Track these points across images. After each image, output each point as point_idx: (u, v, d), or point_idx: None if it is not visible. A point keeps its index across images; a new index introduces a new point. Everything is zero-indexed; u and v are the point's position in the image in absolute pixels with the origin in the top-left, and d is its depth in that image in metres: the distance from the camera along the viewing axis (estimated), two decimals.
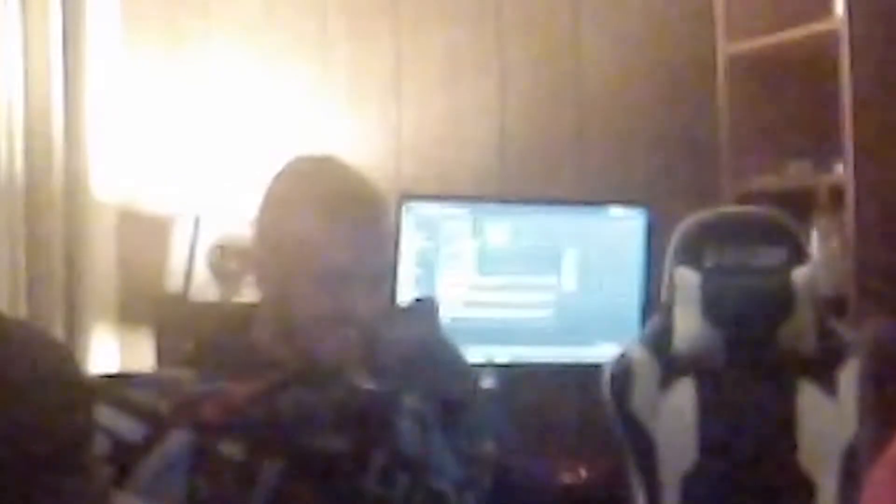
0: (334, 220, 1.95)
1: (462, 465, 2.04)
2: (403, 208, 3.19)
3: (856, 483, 2.64)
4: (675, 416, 2.76)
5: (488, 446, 2.11)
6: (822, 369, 2.78)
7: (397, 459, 1.96)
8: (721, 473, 2.74)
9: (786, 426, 2.75)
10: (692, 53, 3.69)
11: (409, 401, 2.01)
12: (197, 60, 3.33)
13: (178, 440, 1.89)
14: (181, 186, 3.23)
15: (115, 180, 3.17)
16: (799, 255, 2.86)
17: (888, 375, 2.83)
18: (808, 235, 3.17)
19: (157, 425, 1.89)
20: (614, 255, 3.35)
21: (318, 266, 1.93)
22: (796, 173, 3.48)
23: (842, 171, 3.29)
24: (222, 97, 3.33)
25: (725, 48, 3.60)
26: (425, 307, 2.27)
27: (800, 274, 2.81)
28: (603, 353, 3.00)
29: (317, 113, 3.40)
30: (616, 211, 3.39)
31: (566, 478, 3.12)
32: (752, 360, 2.79)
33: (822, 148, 3.41)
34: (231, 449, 1.89)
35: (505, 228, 3.31)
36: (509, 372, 3.24)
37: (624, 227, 3.37)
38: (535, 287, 3.32)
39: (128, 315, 3.20)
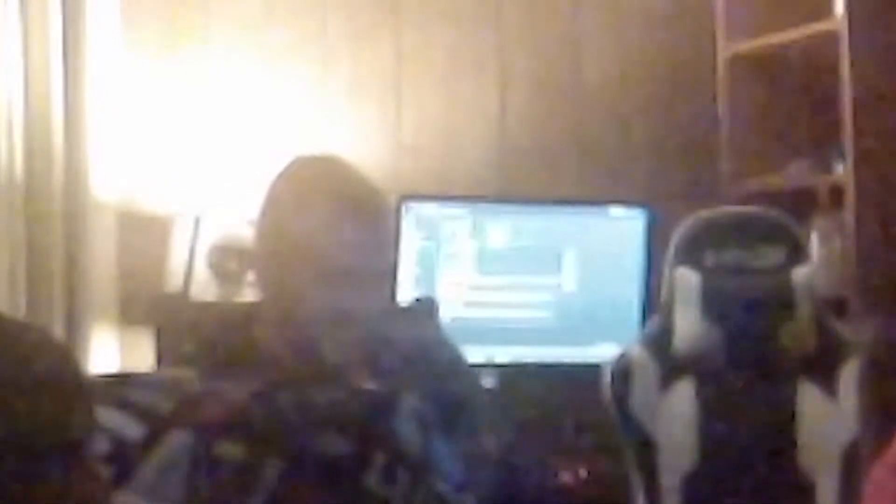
0: (336, 219, 1.95)
1: (463, 464, 2.04)
2: (403, 208, 3.19)
3: (856, 483, 2.64)
4: (675, 416, 2.76)
5: (489, 444, 2.11)
6: (822, 369, 2.78)
7: (398, 459, 1.96)
8: (721, 473, 2.74)
9: (786, 426, 2.75)
10: (692, 53, 3.69)
11: (410, 401, 2.01)
12: (197, 60, 3.33)
13: (178, 440, 1.89)
14: (181, 186, 3.23)
15: (115, 180, 3.17)
16: (799, 255, 2.86)
17: (888, 375, 2.83)
18: (808, 235, 3.17)
19: (157, 425, 1.90)
20: (614, 255, 3.35)
21: (320, 265, 1.93)
22: (796, 173, 3.48)
23: (842, 171, 3.29)
24: (222, 97, 3.33)
25: (725, 48, 3.60)
26: (425, 307, 2.27)
27: (800, 274, 2.81)
28: (603, 353, 3.00)
29: (317, 113, 3.40)
30: (616, 211, 3.39)
31: (566, 478, 3.12)
32: (752, 361, 2.79)
33: (822, 148, 3.41)
34: (231, 449, 1.89)
35: (505, 228, 3.30)
36: (509, 372, 3.24)
37: (624, 227, 3.37)
38: (535, 287, 3.32)
39: (128, 315, 3.20)
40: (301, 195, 1.99)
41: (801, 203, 3.33)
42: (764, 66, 3.58)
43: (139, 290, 3.22)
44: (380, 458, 1.94)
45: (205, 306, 3.10)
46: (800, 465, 2.73)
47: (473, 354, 2.27)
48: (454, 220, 3.28)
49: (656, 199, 3.41)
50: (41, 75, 3.08)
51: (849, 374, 2.76)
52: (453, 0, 3.56)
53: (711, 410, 2.75)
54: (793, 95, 3.58)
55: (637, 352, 2.81)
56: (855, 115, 3.22)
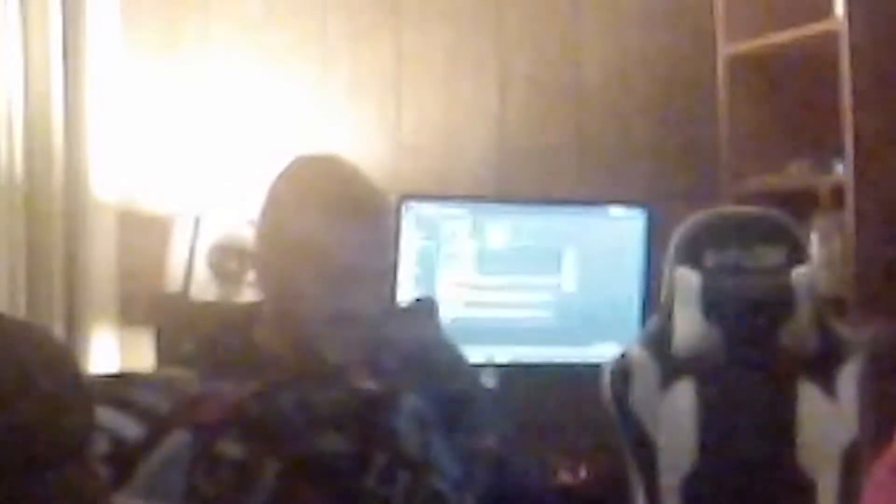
0: (337, 219, 1.95)
1: (463, 462, 2.04)
2: (403, 208, 3.19)
3: (856, 483, 2.64)
4: (675, 416, 2.76)
5: (489, 442, 2.12)
6: (822, 369, 2.78)
7: (397, 459, 1.96)
8: (721, 473, 2.74)
9: (786, 426, 2.75)
10: (692, 53, 3.69)
11: (410, 400, 2.01)
12: (197, 60, 3.33)
13: (178, 440, 1.89)
14: (181, 186, 3.23)
15: (115, 180, 3.17)
16: (799, 255, 2.86)
17: (888, 375, 2.83)
18: (808, 235, 3.17)
19: (157, 425, 1.90)
20: (614, 255, 3.35)
21: (322, 265, 1.93)
22: (796, 173, 3.48)
23: (842, 171, 3.29)
24: (222, 97, 3.33)
25: (725, 48, 3.60)
26: (425, 307, 2.27)
27: (800, 274, 2.81)
28: (603, 353, 3.00)
29: (317, 113, 3.40)
30: (616, 211, 3.39)
31: (566, 478, 3.12)
32: (752, 361, 2.79)
33: (822, 148, 3.41)
34: (231, 449, 1.89)
35: (505, 228, 3.30)
36: (509, 372, 3.24)
37: (624, 227, 3.37)
38: (535, 287, 3.32)
39: (128, 315, 3.20)
40: (301, 195, 1.99)
41: (801, 203, 3.33)
42: (764, 66, 3.58)
43: (139, 290, 3.22)
44: (380, 458, 1.94)
45: (205, 306, 3.10)
46: (800, 465, 2.73)
47: (473, 354, 2.27)
48: (454, 220, 3.28)
49: (656, 199, 3.41)
50: (41, 75, 3.08)
51: (849, 374, 2.76)
52: (453, 0, 3.56)
53: (711, 410, 2.75)
54: (793, 95, 3.58)
55: (637, 352, 2.81)
56: (855, 115, 3.22)
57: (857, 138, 3.23)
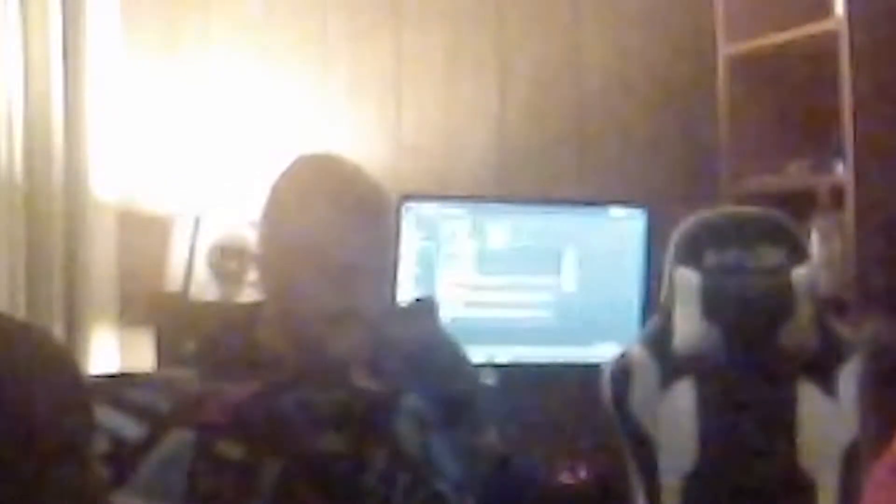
0: (340, 217, 1.95)
1: (464, 459, 2.04)
2: (403, 208, 3.19)
3: (856, 483, 2.64)
4: (675, 416, 2.76)
5: (490, 438, 2.12)
6: (822, 369, 2.78)
7: (397, 459, 1.96)
8: (721, 473, 2.74)
9: (786, 426, 2.75)
10: (692, 53, 3.69)
11: (410, 400, 2.01)
12: (197, 60, 3.33)
13: (178, 440, 1.89)
14: (181, 186, 3.23)
15: (115, 180, 3.17)
16: (799, 255, 2.86)
17: (888, 375, 2.83)
18: (808, 235, 3.17)
19: (157, 425, 1.90)
20: (614, 255, 3.35)
21: (324, 263, 1.94)
22: (796, 173, 3.48)
23: (842, 171, 3.29)
24: (222, 97, 3.33)
25: (725, 48, 3.60)
26: (425, 307, 2.27)
27: (800, 274, 2.81)
28: (603, 353, 3.00)
29: (317, 113, 3.40)
30: (616, 211, 3.39)
31: (566, 477, 3.12)
32: (752, 361, 2.79)
33: (822, 148, 3.41)
34: (231, 449, 1.89)
35: (505, 228, 3.30)
36: (509, 372, 3.24)
37: (624, 227, 3.37)
38: (535, 287, 3.32)
39: (128, 315, 3.20)
40: (303, 193, 2.00)
41: (801, 203, 3.33)
42: (764, 66, 3.58)
43: (139, 290, 3.22)
44: (379, 458, 1.94)
45: (205, 306, 3.10)
46: (800, 465, 2.73)
47: (473, 354, 2.27)
48: (454, 220, 3.28)
49: (656, 199, 3.41)
50: (41, 75, 3.08)
51: (849, 374, 2.76)
52: (453, 0, 3.56)
53: (711, 410, 2.75)
54: (793, 95, 3.58)
55: (637, 352, 2.81)
56: (855, 115, 3.22)
57: (857, 138, 3.23)
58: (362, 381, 1.99)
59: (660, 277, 2.93)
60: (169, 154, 3.27)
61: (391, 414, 1.99)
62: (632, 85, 3.68)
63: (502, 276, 3.30)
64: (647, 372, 2.79)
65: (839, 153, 3.28)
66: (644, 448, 2.76)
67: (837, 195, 3.29)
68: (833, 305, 3.07)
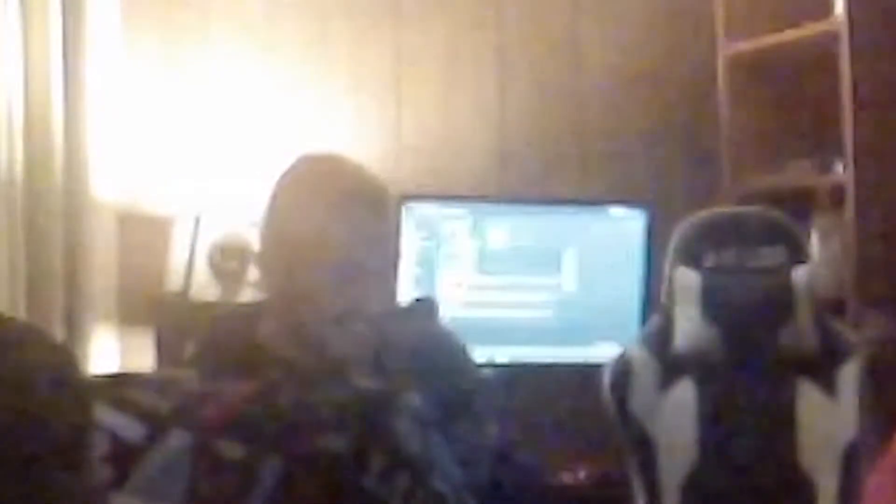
0: (342, 216, 1.96)
1: (464, 453, 2.04)
2: (403, 208, 3.19)
3: (856, 483, 2.64)
4: (675, 416, 2.76)
5: (491, 433, 2.12)
6: (822, 369, 2.78)
7: (397, 459, 1.96)
8: (721, 473, 2.74)
9: (786, 426, 2.75)
10: (692, 53, 3.69)
11: (410, 400, 2.01)
12: (197, 60, 3.33)
13: (178, 440, 1.89)
14: (181, 186, 3.23)
15: (115, 180, 3.17)
16: (799, 255, 2.86)
17: (888, 375, 2.83)
18: (808, 235, 3.17)
19: (157, 425, 1.90)
20: (614, 255, 3.35)
21: (326, 262, 1.94)
22: (796, 173, 3.48)
23: (842, 171, 3.29)
24: (222, 97, 3.33)
25: (725, 48, 3.60)
26: (425, 307, 2.27)
27: (800, 274, 2.81)
28: (603, 353, 3.00)
29: (317, 113, 3.40)
30: (616, 211, 3.39)
31: (566, 478, 3.12)
32: (752, 360, 2.79)
33: (822, 148, 3.41)
34: (231, 449, 1.89)
35: (505, 228, 3.31)
36: (509, 372, 3.24)
37: (624, 227, 3.37)
38: (535, 287, 3.32)
39: (128, 315, 3.20)
40: (305, 192, 2.00)
41: (801, 203, 3.33)
42: (764, 66, 3.58)
43: (139, 290, 3.22)
44: (379, 458, 1.94)
45: (205, 306, 3.10)
46: (800, 465, 2.73)
47: (473, 354, 2.27)
48: (454, 220, 3.28)
49: (656, 199, 3.41)
50: (41, 75, 3.08)
51: (849, 374, 2.76)
52: (453, 0, 3.56)
53: (711, 410, 2.75)
54: (793, 95, 3.58)
55: (637, 352, 2.81)
56: (855, 115, 3.22)
57: (857, 138, 3.23)
58: (363, 380, 1.99)
59: (660, 277, 2.93)
60: (169, 154, 3.27)
61: (391, 414, 1.98)
62: (632, 85, 3.68)
63: (502, 276, 3.30)
64: (647, 372, 2.79)
65: (839, 153, 3.29)
66: (644, 448, 2.76)
67: (837, 195, 3.29)
68: (833, 305, 3.07)
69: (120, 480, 1.85)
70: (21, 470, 1.34)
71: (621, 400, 2.77)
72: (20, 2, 3.08)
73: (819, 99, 3.43)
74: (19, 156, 3.06)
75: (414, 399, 2.01)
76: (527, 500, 2.23)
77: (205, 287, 3.14)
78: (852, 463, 2.71)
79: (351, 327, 1.97)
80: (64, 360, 1.45)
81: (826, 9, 3.32)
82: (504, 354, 3.28)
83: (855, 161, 3.23)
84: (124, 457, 1.86)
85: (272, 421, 1.91)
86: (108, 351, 3.14)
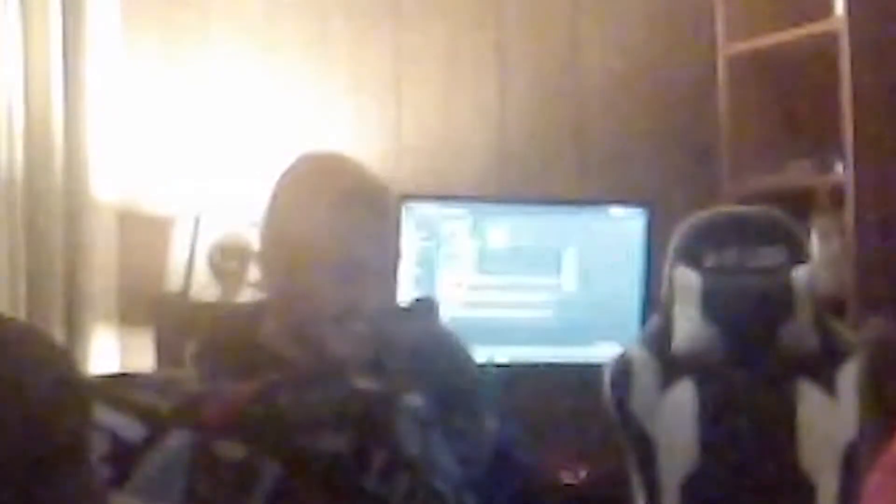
0: (344, 215, 1.96)
1: (463, 445, 2.04)
2: (403, 208, 3.19)
3: (856, 483, 2.64)
4: (675, 416, 2.76)
5: (490, 428, 2.12)
6: (822, 369, 2.78)
7: (397, 459, 1.96)
8: (721, 473, 2.74)
9: (786, 426, 2.75)
10: (692, 53, 3.69)
11: (410, 400, 2.01)
12: (197, 60, 3.33)
13: (178, 440, 1.89)
14: (181, 186, 3.23)
15: (115, 180, 3.17)
16: (799, 255, 2.85)
17: (888, 375, 2.83)
18: (808, 235, 3.17)
19: (157, 425, 1.90)
20: (614, 255, 3.35)
21: (327, 261, 1.94)
22: (796, 173, 3.48)
23: (842, 171, 3.29)
24: (222, 97, 3.33)
25: (725, 48, 3.60)
26: (425, 307, 2.27)
27: (800, 274, 2.81)
28: (603, 353, 3.00)
29: (317, 113, 3.40)
30: (616, 211, 3.39)
31: (566, 478, 3.12)
32: (752, 360, 2.79)
33: (822, 148, 3.41)
34: (231, 449, 1.89)
35: (505, 228, 3.31)
36: (509, 372, 3.24)
37: (624, 227, 3.37)
38: (535, 287, 3.32)
39: (128, 315, 3.20)
40: (306, 191, 2.00)
41: (801, 203, 3.33)
42: (764, 66, 3.58)
43: (139, 290, 3.22)
44: (379, 458, 1.94)
45: (205, 306, 3.10)
46: (800, 465, 2.73)
47: (473, 354, 2.28)
48: (454, 220, 3.28)
49: (656, 199, 3.41)
50: (41, 75, 3.08)
51: (849, 374, 2.76)
52: (453, 0, 3.56)
53: (711, 410, 2.75)
54: (793, 95, 3.58)
55: (637, 352, 2.81)
56: (855, 115, 3.22)
57: (857, 138, 3.23)
58: (362, 380, 1.99)
59: (660, 277, 2.93)
60: (169, 154, 3.27)
61: (391, 414, 1.98)
62: (632, 85, 3.68)
63: (502, 276, 3.30)
64: (647, 372, 2.79)
65: (839, 153, 3.29)
66: (644, 448, 2.76)
67: (837, 195, 3.29)
68: (833, 305, 3.07)
69: (120, 480, 1.85)
70: (21, 470, 1.34)
71: (621, 400, 2.77)
72: (20, 2, 3.07)
73: (819, 99, 3.43)
74: (19, 156, 3.06)
75: (414, 399, 2.01)
76: (527, 500, 2.23)
77: (205, 287, 3.14)
78: (852, 463, 2.70)
79: (351, 327, 1.97)
80: (64, 360, 1.45)
81: (826, 9, 3.32)
82: (504, 354, 3.28)
83: (855, 161, 3.23)
84: (124, 457, 1.86)
85: (272, 421, 1.92)
86: (108, 351, 3.14)
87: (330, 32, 3.45)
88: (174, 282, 3.18)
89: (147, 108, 3.27)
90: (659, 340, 2.82)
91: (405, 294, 3.11)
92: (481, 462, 2.08)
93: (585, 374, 2.91)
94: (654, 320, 2.90)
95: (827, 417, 2.75)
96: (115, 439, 1.86)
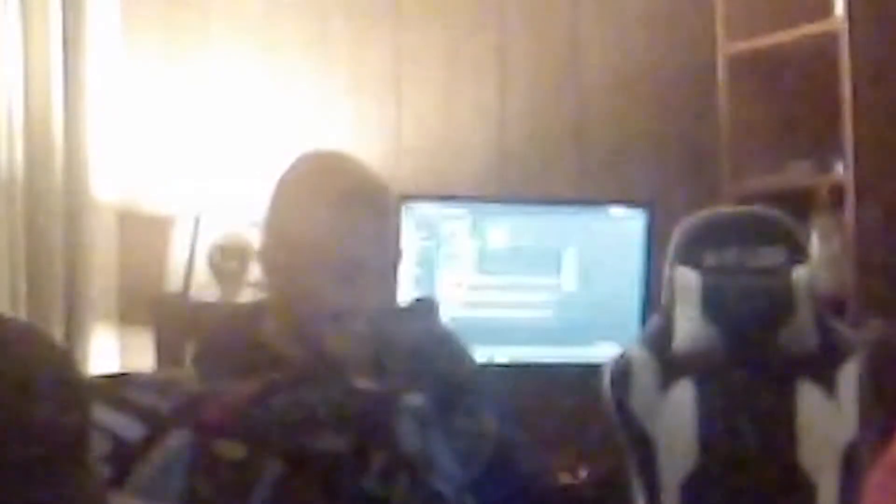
0: (345, 214, 1.96)
1: (461, 443, 2.04)
2: (403, 208, 3.19)
3: (856, 483, 2.64)
4: (675, 416, 2.76)
5: (489, 425, 2.12)
6: (822, 369, 2.78)
7: (397, 459, 1.96)
8: (721, 473, 2.74)
9: (786, 426, 2.75)
10: (692, 53, 3.69)
11: (410, 400, 2.01)
12: (197, 60, 3.33)
13: (178, 440, 1.89)
14: (181, 186, 3.23)
15: (115, 180, 3.17)
16: (799, 255, 2.86)
17: (888, 375, 2.83)
18: (808, 235, 3.17)
19: (157, 425, 1.90)
20: (614, 255, 3.35)
21: (328, 260, 1.94)
22: (796, 173, 3.48)
23: (842, 171, 3.29)
24: (222, 97, 3.33)
25: (725, 48, 3.60)
26: (425, 307, 2.27)
27: (800, 274, 2.81)
28: (603, 353, 3.00)
29: (317, 113, 3.40)
30: (616, 211, 3.39)
31: (566, 478, 3.12)
32: (751, 361, 2.79)
33: (822, 148, 3.41)
34: (231, 449, 1.89)
35: (505, 228, 3.31)
36: (509, 372, 3.24)
37: (624, 227, 3.37)
38: (535, 287, 3.32)
39: (128, 315, 3.20)
40: (308, 190, 2.00)
41: (801, 203, 3.33)
42: (764, 66, 3.58)
43: (139, 290, 3.22)
44: (379, 459, 1.94)
45: (205, 306, 3.10)
46: (800, 466, 2.73)
47: (474, 354, 2.28)
48: (454, 220, 3.28)
49: (656, 199, 3.41)
50: (41, 75, 3.08)
51: (849, 374, 2.76)
52: (453, 0, 3.56)
53: (711, 410, 2.75)
54: (793, 95, 3.58)
55: (637, 352, 2.81)
56: (855, 114, 3.22)
57: (856, 138, 3.23)
58: (363, 380, 1.99)
59: (660, 277, 2.93)
60: (169, 154, 3.27)
61: (391, 414, 1.98)
62: (632, 84, 3.68)
63: (502, 276, 3.30)
64: (647, 372, 2.79)
65: (839, 153, 3.29)
66: (644, 448, 2.76)
67: (837, 195, 3.29)
68: (833, 305, 3.07)
69: (120, 480, 1.85)
70: (20, 470, 1.34)
71: (621, 400, 2.77)
72: (20, 2, 3.08)
73: (819, 99, 3.43)
74: (19, 156, 3.06)
75: (414, 399, 2.01)
76: (527, 501, 2.23)
77: (205, 287, 3.15)
78: (852, 463, 2.71)
79: (351, 327, 1.97)
80: (64, 360, 1.45)
81: (826, 9, 3.32)
82: (504, 354, 3.28)
83: (855, 161, 3.23)
84: (124, 457, 1.86)
85: (272, 421, 1.91)
86: (108, 351, 3.14)
87: (330, 32, 3.45)
88: (174, 282, 3.18)
89: (147, 108, 3.27)
90: (659, 340, 2.82)
91: (405, 294, 3.11)
92: (481, 462, 2.08)
93: (585, 374, 2.91)
94: (654, 320, 2.90)
95: (827, 417, 2.75)
96: (115, 439, 1.86)
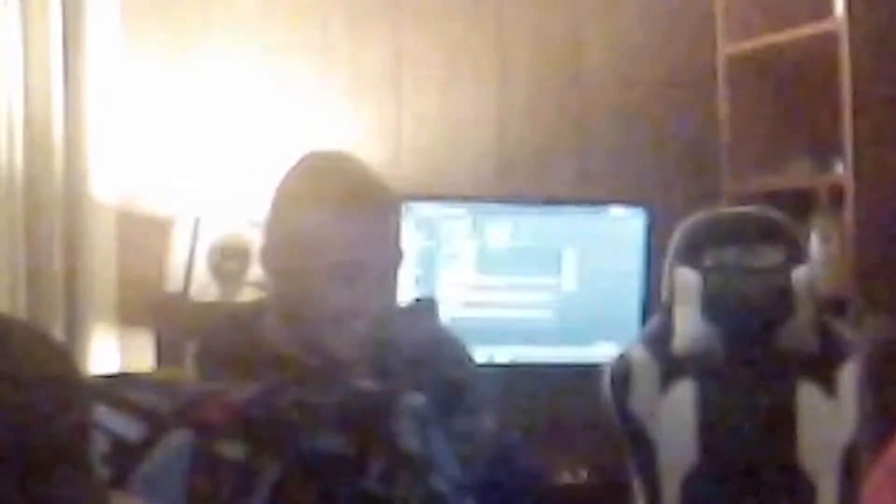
0: (346, 214, 1.96)
1: (460, 442, 2.04)
2: (403, 208, 3.18)
3: (856, 483, 2.64)
4: (675, 416, 2.76)
5: (489, 425, 2.12)
6: (822, 369, 2.78)
7: (397, 460, 1.95)
8: (721, 473, 2.74)
9: (786, 426, 2.75)
10: (692, 53, 3.69)
11: (410, 400, 2.01)
12: (197, 60, 3.33)
13: (178, 440, 1.89)
14: (181, 186, 3.23)
15: (115, 180, 3.17)
16: (799, 255, 2.86)
17: (888, 375, 2.83)
18: (808, 235, 3.17)
19: (157, 425, 1.89)
20: (614, 255, 3.35)
21: (330, 260, 1.94)
22: (796, 173, 3.48)
23: (842, 171, 3.29)
24: (222, 97, 3.33)
25: (725, 48, 3.60)
26: (425, 307, 2.27)
27: (800, 274, 2.81)
28: (603, 353, 3.00)
29: (317, 113, 3.40)
30: (616, 211, 3.39)
31: (566, 478, 3.12)
32: (752, 360, 2.79)
33: (822, 148, 3.41)
34: (231, 449, 1.89)
35: (505, 228, 3.30)
36: (509, 372, 3.24)
37: (624, 227, 3.37)
38: (535, 287, 3.32)
39: (128, 315, 3.20)
40: (310, 191, 2.00)
41: (801, 203, 3.33)
42: (764, 66, 3.58)
43: (139, 291, 3.22)
44: (379, 459, 1.94)
45: (205, 306, 3.10)
46: (800, 466, 2.73)
47: (473, 354, 2.28)
48: (454, 220, 3.28)
49: (656, 199, 3.41)
50: (41, 75, 3.08)
51: (849, 374, 2.76)
52: (453, 0, 3.56)
53: (711, 410, 2.76)
54: (793, 95, 3.58)
55: (637, 352, 2.81)
56: (855, 115, 3.22)
57: (856, 138, 3.23)
58: (363, 381, 1.99)
59: (660, 277, 2.93)
60: (169, 154, 3.27)
61: (391, 415, 1.98)
62: (632, 84, 3.68)
63: (502, 276, 3.30)
64: (647, 372, 2.79)
65: (839, 153, 3.29)
66: (644, 448, 2.76)
67: (837, 195, 3.29)
68: (833, 305, 3.07)
69: (120, 480, 1.85)
70: (21, 470, 1.34)
71: (621, 400, 2.77)
72: (20, 2, 3.08)
73: (819, 99, 3.43)
74: (19, 156, 3.06)
75: (414, 399, 2.01)
76: (527, 501, 2.23)
77: (205, 287, 3.14)
78: (852, 463, 2.71)
79: (351, 327, 1.97)
80: (64, 360, 1.45)
81: (826, 9, 3.32)
82: (504, 354, 3.28)
83: (855, 161, 3.23)
84: (124, 457, 1.86)
85: (272, 421, 1.91)
86: (108, 351, 3.14)
87: (330, 32, 3.45)
88: (174, 282, 3.18)
89: (147, 108, 3.27)
90: (659, 340, 2.82)
91: (405, 294, 3.11)
92: (481, 462, 2.08)
93: (585, 374, 2.91)
94: (655, 320, 2.90)
95: (827, 417, 2.75)
96: (115, 439, 1.86)
